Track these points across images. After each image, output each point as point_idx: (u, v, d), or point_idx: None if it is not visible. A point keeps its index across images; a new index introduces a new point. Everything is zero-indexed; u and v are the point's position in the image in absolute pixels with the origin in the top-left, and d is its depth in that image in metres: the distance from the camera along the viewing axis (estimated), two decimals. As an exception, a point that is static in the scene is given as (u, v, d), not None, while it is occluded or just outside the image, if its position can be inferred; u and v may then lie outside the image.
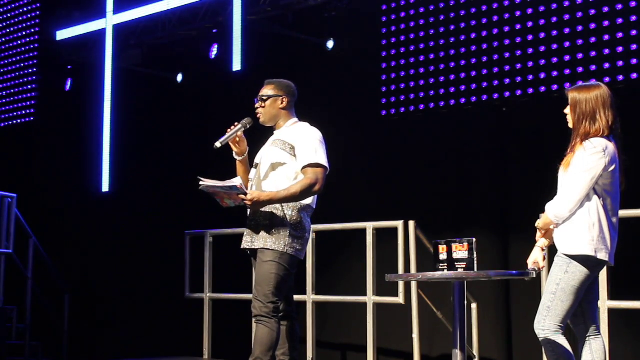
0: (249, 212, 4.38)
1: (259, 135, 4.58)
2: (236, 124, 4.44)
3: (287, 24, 8.07)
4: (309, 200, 4.32)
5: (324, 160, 4.31)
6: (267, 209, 4.25)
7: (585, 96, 3.79)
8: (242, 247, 4.40)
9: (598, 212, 3.71)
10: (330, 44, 7.85)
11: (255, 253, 4.32)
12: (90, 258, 9.61)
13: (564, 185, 3.76)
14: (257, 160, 4.46)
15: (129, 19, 9.02)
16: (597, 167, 3.68)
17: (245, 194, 4.17)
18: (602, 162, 3.68)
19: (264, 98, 4.45)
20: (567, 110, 3.87)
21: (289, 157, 4.31)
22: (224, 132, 4.43)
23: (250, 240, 4.31)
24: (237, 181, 4.22)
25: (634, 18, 6.15)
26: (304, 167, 4.27)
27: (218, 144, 4.37)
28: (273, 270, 4.19)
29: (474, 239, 3.94)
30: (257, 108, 4.47)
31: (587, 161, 3.68)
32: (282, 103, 4.45)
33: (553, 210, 3.76)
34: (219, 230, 7.33)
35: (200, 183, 4.22)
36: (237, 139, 4.45)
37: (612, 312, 5.21)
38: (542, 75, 6.53)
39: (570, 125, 3.84)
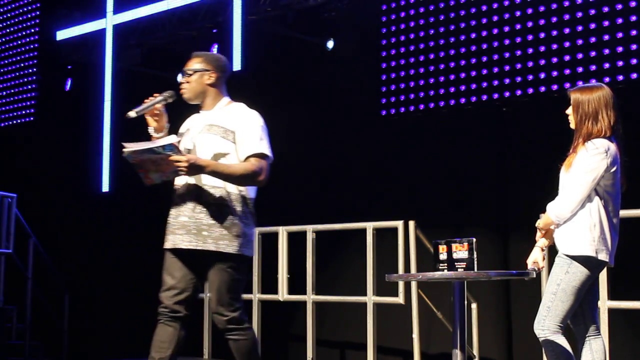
0: (178, 207, 3.90)
1: (181, 111, 4.21)
2: (156, 95, 3.96)
3: (287, 24, 8.06)
4: (253, 193, 3.94)
5: (268, 150, 3.88)
6: (215, 201, 3.81)
7: (588, 97, 3.79)
8: (179, 247, 3.84)
9: (599, 212, 3.71)
10: (330, 44, 7.84)
11: (196, 252, 3.84)
12: (90, 258, 9.61)
13: (566, 186, 3.76)
14: (188, 145, 3.94)
15: (129, 19, 9.02)
16: (599, 168, 3.68)
17: (181, 155, 3.67)
18: (604, 162, 3.69)
19: (189, 72, 3.97)
20: (569, 111, 3.87)
21: (232, 146, 3.86)
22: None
23: (195, 240, 3.80)
24: (172, 138, 3.69)
25: (634, 18, 6.14)
26: (248, 157, 3.83)
27: (132, 113, 3.86)
28: (234, 275, 3.82)
29: (474, 239, 3.94)
30: (182, 83, 4.01)
31: (589, 162, 3.68)
32: (209, 78, 3.98)
33: (554, 211, 3.76)
34: (219, 230, 7.31)
35: (124, 150, 3.67)
36: (156, 112, 3.96)
37: (612, 312, 5.21)
38: (542, 75, 6.53)
39: (572, 125, 3.84)
